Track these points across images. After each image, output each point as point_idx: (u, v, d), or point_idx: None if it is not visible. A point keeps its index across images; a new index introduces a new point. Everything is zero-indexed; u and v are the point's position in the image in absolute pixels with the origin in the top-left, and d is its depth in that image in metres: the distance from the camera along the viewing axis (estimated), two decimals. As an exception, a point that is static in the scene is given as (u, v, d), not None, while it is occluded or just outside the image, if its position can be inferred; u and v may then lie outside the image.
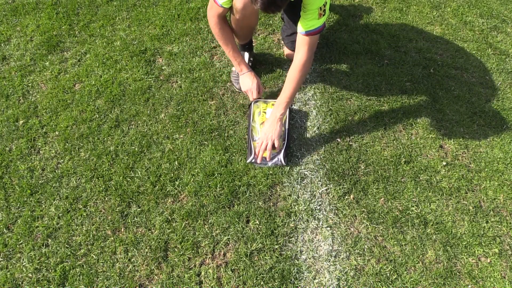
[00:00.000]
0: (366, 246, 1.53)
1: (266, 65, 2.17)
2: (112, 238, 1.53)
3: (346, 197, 1.67)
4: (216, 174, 1.71)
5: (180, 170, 1.73)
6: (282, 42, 2.24)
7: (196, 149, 1.80)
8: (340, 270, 1.47)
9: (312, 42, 1.64)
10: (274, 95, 2.02)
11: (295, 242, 1.53)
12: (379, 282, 1.44)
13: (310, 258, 1.50)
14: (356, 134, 1.88)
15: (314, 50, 1.70)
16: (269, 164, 1.73)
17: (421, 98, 2.05)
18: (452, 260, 1.51)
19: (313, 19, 1.56)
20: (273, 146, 1.73)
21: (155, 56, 2.23)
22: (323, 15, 1.57)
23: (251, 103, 1.91)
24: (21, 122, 1.91)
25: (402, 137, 1.89)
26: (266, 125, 1.72)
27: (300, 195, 1.66)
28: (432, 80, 2.15)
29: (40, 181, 1.69)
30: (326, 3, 1.55)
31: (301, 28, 1.61)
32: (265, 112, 1.88)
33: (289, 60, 2.18)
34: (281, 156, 1.73)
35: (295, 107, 1.99)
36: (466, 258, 1.52)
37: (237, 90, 2.03)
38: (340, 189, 1.68)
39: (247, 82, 1.90)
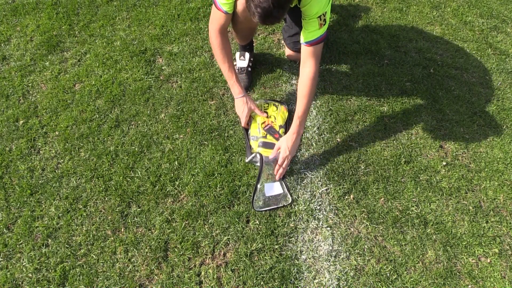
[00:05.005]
0: (366, 246, 1.53)
1: (266, 65, 2.17)
2: (112, 238, 1.53)
3: (346, 197, 1.67)
4: (216, 174, 1.71)
5: (180, 170, 1.73)
6: (283, 42, 2.24)
7: (196, 149, 1.80)
8: (340, 270, 1.47)
9: (317, 52, 1.62)
10: (274, 95, 2.02)
11: (295, 242, 1.53)
12: (379, 282, 1.44)
13: (310, 258, 1.50)
14: (356, 134, 1.88)
15: (320, 60, 1.67)
16: (270, 158, 1.72)
17: (421, 98, 2.05)
18: (452, 260, 1.51)
19: (314, 30, 1.56)
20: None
21: (155, 56, 2.23)
22: (324, 24, 1.56)
23: None
24: (21, 122, 1.91)
25: (402, 137, 1.89)
26: (289, 142, 1.65)
27: (300, 195, 1.66)
28: (432, 80, 2.15)
29: (40, 181, 1.69)
30: (326, 12, 1.54)
31: (303, 38, 1.60)
32: (266, 112, 1.88)
33: (289, 60, 2.19)
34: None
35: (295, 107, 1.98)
36: (466, 258, 1.52)
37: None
38: (340, 189, 1.68)
39: (239, 107, 1.82)
